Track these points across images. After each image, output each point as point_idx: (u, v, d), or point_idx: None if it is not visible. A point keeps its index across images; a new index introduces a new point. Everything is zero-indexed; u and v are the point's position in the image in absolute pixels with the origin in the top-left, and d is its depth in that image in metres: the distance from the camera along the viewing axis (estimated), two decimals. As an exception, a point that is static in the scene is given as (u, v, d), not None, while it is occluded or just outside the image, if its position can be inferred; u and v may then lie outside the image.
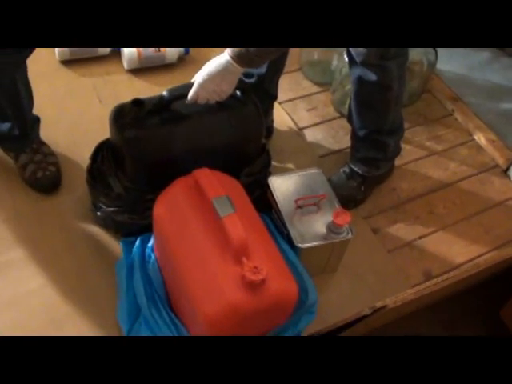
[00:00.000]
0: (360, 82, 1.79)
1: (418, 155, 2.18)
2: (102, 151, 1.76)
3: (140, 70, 2.27)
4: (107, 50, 2.28)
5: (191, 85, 1.62)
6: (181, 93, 1.63)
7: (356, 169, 1.97)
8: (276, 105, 2.19)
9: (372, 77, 1.74)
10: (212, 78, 1.55)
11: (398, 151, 2.02)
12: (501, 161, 2.25)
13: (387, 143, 1.93)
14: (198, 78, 1.58)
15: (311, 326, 1.55)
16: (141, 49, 2.21)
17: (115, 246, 1.75)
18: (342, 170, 1.99)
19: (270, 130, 2.10)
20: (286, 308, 1.43)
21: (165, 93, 1.63)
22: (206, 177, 1.46)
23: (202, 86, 1.57)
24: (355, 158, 1.98)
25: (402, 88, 1.85)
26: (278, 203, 1.73)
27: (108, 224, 1.76)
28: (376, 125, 1.89)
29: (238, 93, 1.70)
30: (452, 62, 2.48)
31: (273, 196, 1.75)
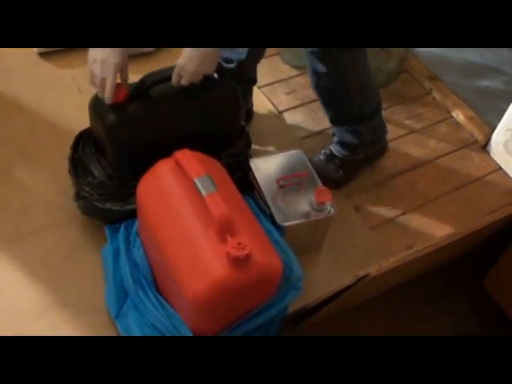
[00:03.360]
0: (314, 72, 1.79)
1: (398, 134, 2.21)
2: (83, 140, 1.77)
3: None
4: (84, 42, 2.28)
5: (170, 69, 1.63)
6: (160, 77, 1.64)
7: (335, 152, 1.98)
8: (255, 89, 2.21)
9: (322, 68, 1.75)
10: (192, 60, 1.56)
11: (377, 137, 2.02)
12: (479, 137, 2.28)
13: (359, 130, 1.93)
14: (180, 60, 1.59)
15: (298, 301, 1.57)
16: (118, 39, 2.21)
17: (101, 233, 1.75)
18: (322, 152, 2.01)
19: (250, 113, 2.12)
20: (271, 283, 1.45)
21: (144, 78, 1.64)
22: (187, 158, 1.47)
23: (183, 67, 1.58)
24: (334, 141, 1.99)
25: (362, 79, 1.83)
26: (260, 184, 1.75)
27: (92, 212, 1.76)
28: (342, 113, 1.91)
29: (216, 75, 1.71)
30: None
31: (255, 177, 1.76)
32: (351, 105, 1.87)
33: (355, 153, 1.98)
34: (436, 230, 1.95)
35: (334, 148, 1.98)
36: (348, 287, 1.33)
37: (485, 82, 2.45)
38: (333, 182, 1.95)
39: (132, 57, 2.21)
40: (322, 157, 2.00)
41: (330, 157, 1.99)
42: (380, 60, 2.16)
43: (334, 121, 1.93)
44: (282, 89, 2.31)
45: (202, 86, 1.67)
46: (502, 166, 2.20)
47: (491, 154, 2.24)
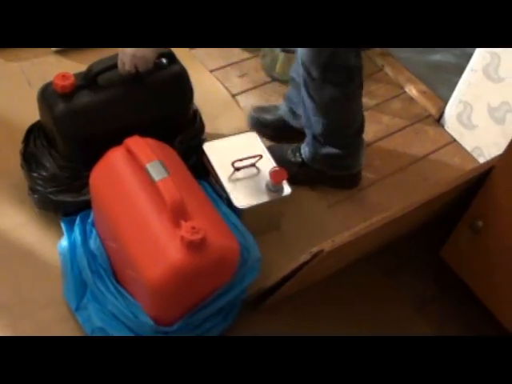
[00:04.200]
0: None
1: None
2: (34, 133, 1.75)
3: (68, 50, 2.23)
4: (33, 35, 2.24)
5: (116, 56, 1.62)
6: (107, 64, 1.64)
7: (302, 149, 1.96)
8: (208, 73, 2.21)
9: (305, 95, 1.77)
10: None
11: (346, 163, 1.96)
12: (433, 110, 2.30)
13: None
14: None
15: (257, 282, 1.57)
16: (66, 30, 2.19)
17: (57, 227, 1.73)
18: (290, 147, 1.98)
19: None
20: (229, 265, 1.45)
21: (91, 65, 1.63)
22: (137, 144, 1.46)
23: (123, 52, 1.57)
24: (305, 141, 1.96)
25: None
26: (215, 167, 1.74)
27: (47, 206, 1.73)
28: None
29: (164, 60, 1.70)
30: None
31: (209, 161, 1.76)
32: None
33: (314, 160, 1.93)
34: (394, 205, 1.92)
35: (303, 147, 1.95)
36: (304, 264, 1.33)
37: (437, 57, 2.47)
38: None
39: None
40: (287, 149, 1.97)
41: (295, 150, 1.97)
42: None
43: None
44: (234, 72, 2.30)
45: (150, 72, 1.66)
46: (457, 138, 2.23)
47: (445, 127, 2.26)
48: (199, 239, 1.32)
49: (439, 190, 1.47)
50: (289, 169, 1.78)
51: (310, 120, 1.83)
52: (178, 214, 1.35)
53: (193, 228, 1.32)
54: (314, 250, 1.29)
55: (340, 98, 1.77)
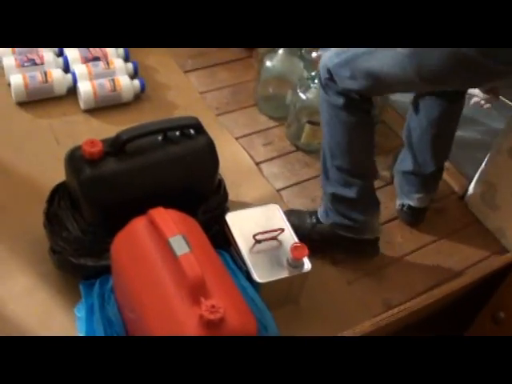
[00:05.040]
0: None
1: (376, 185, 2.18)
2: (59, 194, 1.76)
3: (96, 109, 2.27)
4: (64, 90, 2.28)
5: (146, 125, 1.65)
6: (135, 133, 1.65)
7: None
8: (232, 140, 2.22)
9: None
10: None
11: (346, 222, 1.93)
12: (456, 188, 2.30)
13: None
14: None
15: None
16: (97, 88, 2.22)
17: (75, 289, 1.72)
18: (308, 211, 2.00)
19: None
20: (245, 345, 1.43)
21: (120, 134, 1.65)
22: (161, 216, 1.47)
23: None
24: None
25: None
26: (236, 239, 1.74)
27: (67, 268, 1.74)
28: None
29: (192, 131, 1.72)
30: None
31: (231, 232, 1.76)
32: None
33: (326, 215, 1.94)
34: (413, 284, 1.95)
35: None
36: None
37: (461, 133, 2.46)
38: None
39: (109, 107, 2.26)
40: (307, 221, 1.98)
41: (311, 213, 1.99)
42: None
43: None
44: (259, 140, 2.32)
45: (178, 142, 1.68)
46: (480, 218, 2.21)
47: (469, 206, 2.25)
48: (218, 318, 1.31)
49: (464, 280, 1.46)
50: (303, 229, 1.88)
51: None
52: (197, 291, 1.34)
53: (212, 307, 1.31)
54: (334, 338, 1.27)
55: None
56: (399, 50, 1.56)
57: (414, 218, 2.14)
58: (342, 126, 1.78)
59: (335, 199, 1.88)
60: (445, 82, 1.66)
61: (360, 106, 1.75)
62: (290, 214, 1.94)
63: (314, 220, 1.96)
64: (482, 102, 1.97)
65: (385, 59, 1.61)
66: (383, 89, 1.82)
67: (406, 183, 2.12)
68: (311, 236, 1.93)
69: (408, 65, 1.57)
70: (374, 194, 1.93)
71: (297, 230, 1.85)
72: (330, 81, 1.74)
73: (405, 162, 2.11)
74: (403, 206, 2.13)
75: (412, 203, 2.11)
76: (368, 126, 1.82)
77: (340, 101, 1.74)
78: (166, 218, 1.47)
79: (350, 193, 1.85)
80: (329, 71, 1.73)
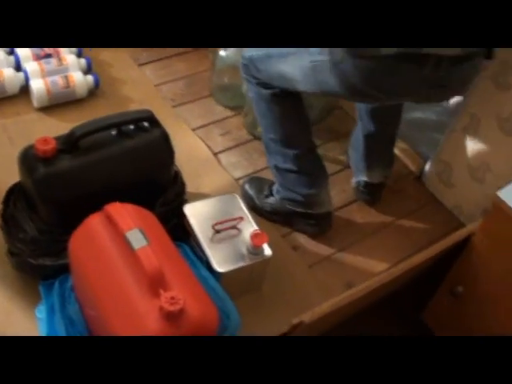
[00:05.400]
0: None
1: (333, 170, 2.21)
2: (14, 194, 1.74)
3: (50, 107, 2.24)
4: (16, 89, 2.25)
5: (99, 120, 1.64)
6: (88, 129, 1.64)
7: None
8: (189, 131, 2.22)
9: None
10: None
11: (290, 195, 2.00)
12: (413, 168, 2.32)
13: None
14: None
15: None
16: (50, 86, 2.19)
17: (34, 289, 1.71)
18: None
19: None
20: (207, 333, 1.43)
21: (73, 130, 1.63)
22: (116, 211, 1.46)
23: None
24: None
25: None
26: (195, 230, 1.74)
27: (25, 269, 1.72)
28: None
29: (146, 123, 1.71)
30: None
31: (189, 223, 1.76)
32: None
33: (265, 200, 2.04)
34: (374, 264, 1.97)
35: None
36: (283, 335, 1.32)
37: (417, 114, 2.49)
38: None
39: (63, 104, 2.23)
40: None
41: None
42: (311, 97, 2.19)
43: None
44: (216, 130, 2.31)
45: (132, 135, 1.67)
46: (437, 197, 2.24)
47: (426, 185, 2.27)
48: (178, 309, 1.31)
49: (421, 257, 1.48)
50: (257, 200, 2.03)
51: None
52: (156, 284, 1.35)
53: (172, 298, 1.32)
54: (294, 321, 1.28)
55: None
56: (305, 63, 1.67)
57: (370, 195, 2.16)
58: (262, 100, 1.88)
59: (279, 172, 1.96)
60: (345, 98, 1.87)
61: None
62: (250, 182, 2.07)
63: (268, 192, 2.03)
64: None
65: (295, 69, 1.72)
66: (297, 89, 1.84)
67: (360, 159, 2.14)
68: (263, 208, 2.02)
69: (313, 79, 1.70)
70: (318, 166, 1.97)
71: (250, 200, 2.00)
72: (247, 66, 1.85)
73: (357, 138, 2.14)
74: (359, 183, 2.16)
75: (367, 179, 2.13)
76: (289, 97, 1.86)
77: (255, 80, 1.86)
78: (122, 212, 1.46)
79: (289, 164, 1.91)
80: (249, 71, 1.86)
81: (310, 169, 1.95)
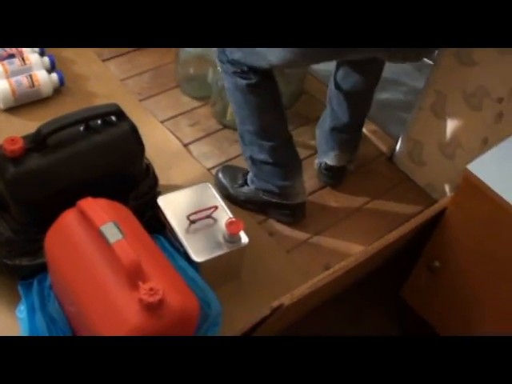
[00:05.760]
0: None
1: (305, 155, 2.22)
2: (-15, 197, 1.73)
3: (16, 107, 2.22)
4: (-19, 92, 2.23)
5: (65, 117, 1.63)
6: (55, 127, 1.62)
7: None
8: (158, 124, 2.21)
9: None
10: None
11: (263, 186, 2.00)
12: (384, 149, 2.33)
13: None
14: None
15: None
16: (14, 86, 2.17)
17: (14, 290, 1.69)
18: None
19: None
20: (188, 324, 1.43)
21: (40, 128, 1.62)
22: (90, 206, 1.45)
23: None
24: None
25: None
26: (171, 221, 1.74)
27: (2, 270, 1.70)
28: None
29: (113, 117, 1.70)
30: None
31: (164, 215, 1.75)
32: None
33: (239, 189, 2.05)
34: (351, 246, 1.98)
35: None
36: (264, 319, 1.33)
37: (385, 95, 2.50)
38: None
39: (29, 103, 2.21)
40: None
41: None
42: (280, 83, 2.19)
43: None
44: (185, 121, 2.30)
45: (100, 130, 1.66)
46: (410, 176, 2.26)
47: (397, 165, 2.29)
48: (157, 300, 1.30)
49: (395, 234, 1.49)
50: (231, 188, 2.03)
51: None
52: (135, 276, 1.34)
53: (151, 289, 1.31)
54: (274, 304, 1.29)
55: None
56: None
57: (331, 178, 2.17)
58: (238, 90, 1.86)
59: (254, 164, 1.95)
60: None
61: (260, 76, 1.82)
62: (224, 171, 2.07)
63: (242, 181, 2.03)
64: None
65: None
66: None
67: (324, 142, 2.15)
68: (238, 197, 2.03)
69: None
70: (293, 157, 1.97)
71: (224, 190, 2.02)
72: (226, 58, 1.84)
73: (324, 120, 2.15)
74: (321, 164, 2.17)
75: (328, 161, 2.13)
76: (266, 87, 1.86)
77: (231, 69, 1.84)
78: (95, 207, 1.45)
79: (265, 156, 1.90)
80: (223, 52, 1.84)
81: (285, 160, 1.94)
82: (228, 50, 1.82)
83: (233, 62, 1.82)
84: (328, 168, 2.15)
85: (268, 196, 1.97)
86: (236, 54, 1.79)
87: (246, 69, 1.80)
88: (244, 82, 1.82)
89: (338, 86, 2.06)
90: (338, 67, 2.06)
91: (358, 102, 2.09)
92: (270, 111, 1.90)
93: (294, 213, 2.01)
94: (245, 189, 2.02)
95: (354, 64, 2.00)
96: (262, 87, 1.84)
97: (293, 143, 1.97)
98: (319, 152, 2.19)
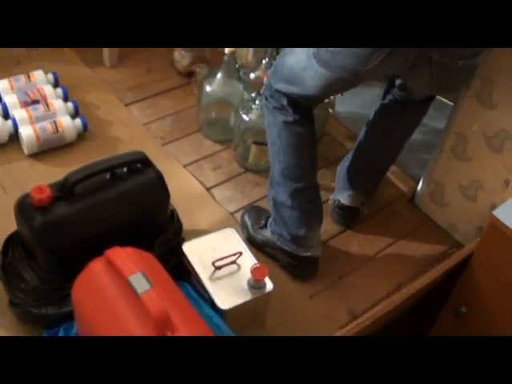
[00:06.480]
0: None
1: (325, 197, 2.20)
2: (12, 244, 1.74)
3: (41, 153, 2.24)
4: (5, 138, 2.25)
5: (92, 165, 1.65)
6: (82, 175, 1.64)
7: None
8: (181, 168, 2.23)
9: None
10: None
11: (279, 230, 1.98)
12: (405, 190, 2.33)
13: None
14: None
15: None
16: (39, 132, 2.20)
17: (39, 337, 1.71)
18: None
19: None
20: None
21: (67, 177, 1.64)
22: (118, 256, 1.46)
23: None
24: None
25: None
26: (196, 268, 1.74)
27: (28, 319, 1.71)
28: None
29: (139, 165, 1.72)
30: (345, 102, 2.55)
31: (189, 262, 1.76)
32: None
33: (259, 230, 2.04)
34: (375, 289, 1.97)
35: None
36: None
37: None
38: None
39: (54, 149, 2.24)
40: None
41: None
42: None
43: None
44: (207, 165, 2.32)
45: (126, 178, 1.68)
46: (431, 217, 2.26)
47: (419, 207, 2.29)
48: (186, 352, 1.31)
49: (422, 281, 1.49)
50: (251, 230, 2.04)
51: None
52: (162, 326, 1.34)
53: (179, 340, 1.32)
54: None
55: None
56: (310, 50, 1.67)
57: (342, 217, 2.17)
58: (274, 126, 1.87)
59: (274, 205, 1.95)
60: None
61: (298, 114, 1.83)
62: (250, 211, 2.09)
63: (263, 223, 2.03)
64: None
65: (300, 57, 1.72)
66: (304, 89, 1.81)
67: (342, 179, 2.15)
68: (256, 239, 2.02)
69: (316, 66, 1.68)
70: (313, 206, 1.96)
71: (246, 230, 2.04)
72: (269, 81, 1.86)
73: (347, 159, 2.15)
74: (334, 201, 2.17)
75: (342, 199, 2.13)
76: (302, 126, 1.86)
77: (273, 103, 1.86)
78: (123, 256, 1.46)
79: (286, 198, 1.90)
80: (269, 84, 1.85)
81: (305, 207, 1.92)
82: (272, 80, 1.83)
83: (274, 95, 1.83)
84: (340, 206, 2.15)
85: (281, 242, 1.95)
86: (279, 83, 1.81)
87: (285, 103, 1.81)
88: (281, 117, 1.83)
89: (375, 126, 2.07)
90: (382, 108, 2.06)
91: (390, 145, 2.09)
92: (302, 152, 1.88)
93: (303, 266, 1.98)
94: (263, 231, 2.01)
95: (402, 105, 2.00)
96: (298, 126, 1.84)
97: (318, 193, 1.95)
98: (336, 188, 2.19)
